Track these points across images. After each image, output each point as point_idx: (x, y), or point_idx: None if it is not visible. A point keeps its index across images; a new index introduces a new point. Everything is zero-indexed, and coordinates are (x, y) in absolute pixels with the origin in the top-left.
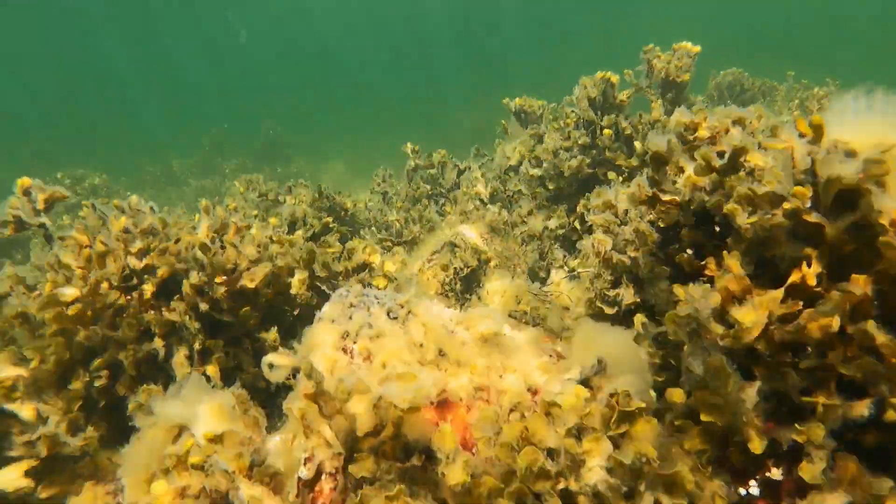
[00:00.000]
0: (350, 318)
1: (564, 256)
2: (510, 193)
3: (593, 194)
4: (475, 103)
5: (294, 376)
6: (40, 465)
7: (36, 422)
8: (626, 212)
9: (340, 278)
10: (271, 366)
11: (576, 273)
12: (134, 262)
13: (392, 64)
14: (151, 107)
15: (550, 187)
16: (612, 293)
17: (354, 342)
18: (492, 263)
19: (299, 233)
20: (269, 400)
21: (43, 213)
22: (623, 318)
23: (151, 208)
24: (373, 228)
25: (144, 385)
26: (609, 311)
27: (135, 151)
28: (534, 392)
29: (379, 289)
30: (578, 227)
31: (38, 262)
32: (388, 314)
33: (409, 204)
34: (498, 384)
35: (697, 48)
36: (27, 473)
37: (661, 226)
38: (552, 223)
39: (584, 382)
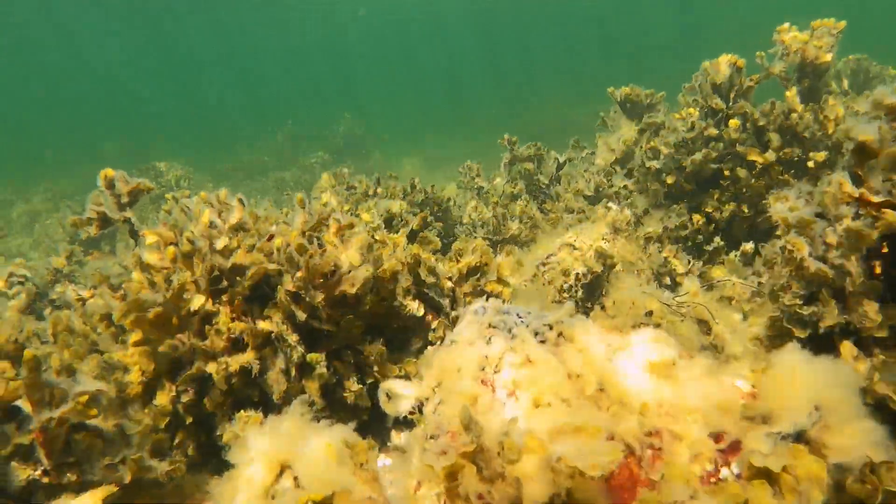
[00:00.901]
0: (489, 341)
1: (690, 261)
2: (617, 189)
3: (773, 197)
4: (554, 99)
5: (420, 410)
6: (121, 492)
7: (118, 440)
8: (821, 214)
9: (450, 283)
10: (390, 395)
11: (716, 282)
12: (220, 262)
13: (471, 58)
14: (229, 100)
15: (670, 182)
16: (805, 311)
17: (496, 371)
18: (617, 268)
19: (403, 231)
20: (372, 424)
21: (128, 207)
22: (819, 343)
23: (241, 200)
24: (465, 226)
25: (242, 412)
26: (800, 333)
27: (212, 145)
28: (717, 438)
29: (503, 298)
30: (702, 227)
31: (122, 259)
32: (534, 337)
33: (506, 199)
34: (672, 428)
35: (842, 24)
36: (105, 501)
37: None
38: (671, 223)
39: (800, 436)
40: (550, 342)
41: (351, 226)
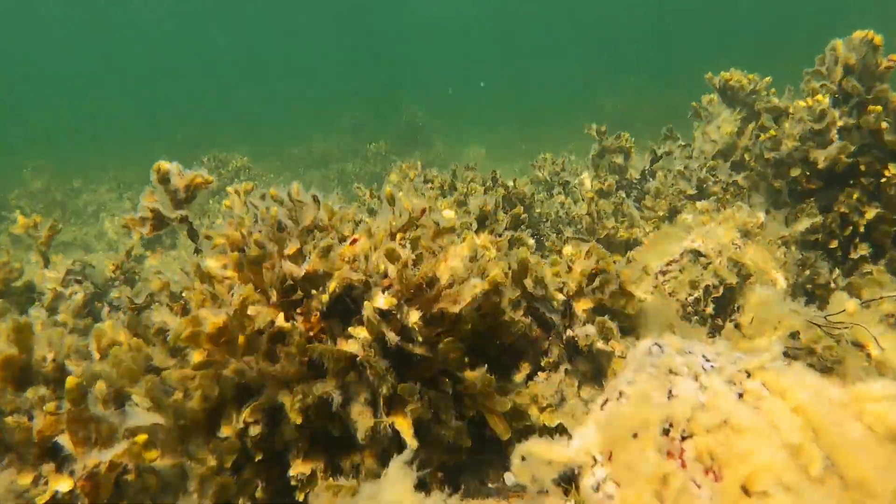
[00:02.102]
0: (670, 393)
1: (833, 271)
2: (724, 185)
3: None
4: (615, 87)
5: (571, 483)
6: None
7: (176, 481)
8: None
9: (561, 295)
10: (525, 458)
11: (877, 300)
12: (292, 269)
13: (538, 47)
14: (291, 90)
15: (794, 175)
16: None
17: (685, 437)
18: (752, 279)
19: (507, 235)
20: (470, 466)
21: (184, 204)
22: None
23: (315, 198)
24: (549, 223)
25: (330, 480)
26: None
27: (274, 135)
28: None
29: (627, 314)
30: (838, 231)
31: (183, 261)
32: (729, 388)
33: (596, 195)
34: None
35: None
36: None
37: None
38: (801, 225)
39: None
40: (751, 395)
41: (452, 229)
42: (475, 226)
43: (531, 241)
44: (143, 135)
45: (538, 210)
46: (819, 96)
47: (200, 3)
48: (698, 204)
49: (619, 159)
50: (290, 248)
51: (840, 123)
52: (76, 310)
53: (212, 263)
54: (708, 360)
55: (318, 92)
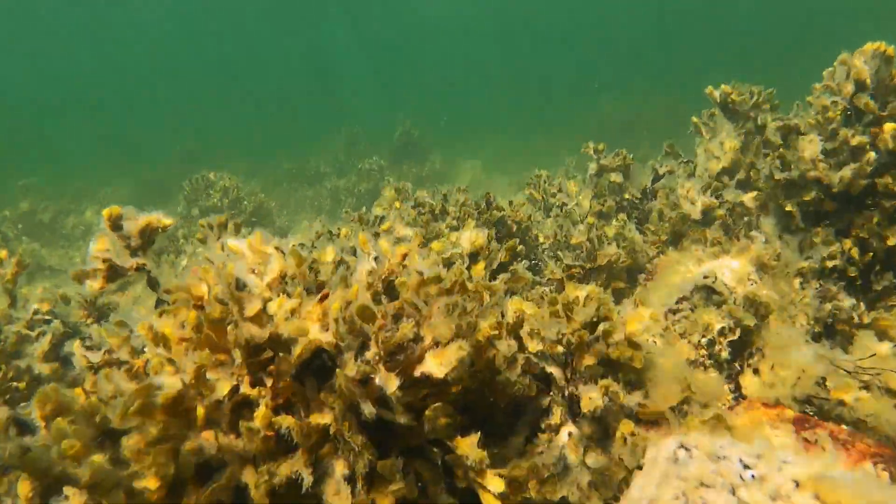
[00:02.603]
0: None
1: (854, 305)
2: (731, 206)
3: None
4: (623, 94)
5: None
6: None
7: None
8: None
9: (560, 347)
10: None
11: None
12: (254, 333)
13: (532, 52)
14: (291, 102)
15: (807, 199)
16: None
17: None
18: (771, 318)
19: (501, 278)
20: None
21: (141, 251)
22: None
23: (278, 249)
24: (545, 248)
25: None
26: None
27: (269, 148)
28: None
29: (633, 366)
30: (858, 258)
31: (140, 316)
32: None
33: (595, 218)
34: None
35: None
36: None
37: None
38: (817, 252)
39: None
40: None
41: (438, 279)
42: (467, 261)
43: (528, 276)
44: (141, 146)
45: (535, 232)
46: (831, 113)
47: (200, 8)
48: (708, 233)
49: (618, 178)
50: (251, 309)
51: (854, 143)
52: (41, 355)
53: (166, 323)
54: (747, 467)
55: (313, 104)
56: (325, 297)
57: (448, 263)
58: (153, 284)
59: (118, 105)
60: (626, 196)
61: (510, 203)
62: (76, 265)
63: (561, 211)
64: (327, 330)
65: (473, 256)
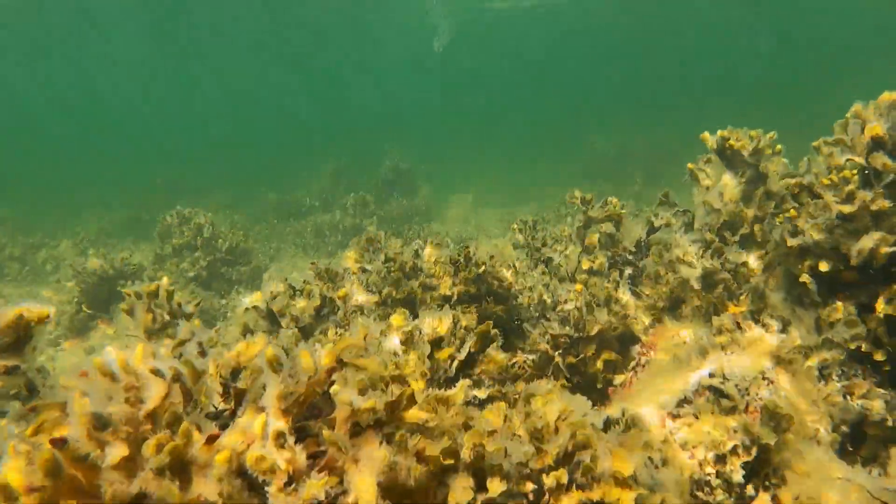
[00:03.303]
0: None
1: (887, 403)
2: (734, 267)
3: None
4: (615, 126)
5: None
6: None
7: None
8: None
9: (531, 484)
10: None
11: None
12: (116, 490)
13: (522, 82)
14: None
15: (824, 270)
16: None
17: None
18: (791, 431)
19: (461, 385)
20: None
21: (13, 351)
22: None
23: (156, 372)
24: (527, 310)
25: None
26: None
27: (251, 181)
28: None
29: None
30: (885, 338)
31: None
32: None
33: (586, 276)
34: None
35: None
36: None
37: None
38: (837, 334)
39: None
40: None
41: (372, 410)
42: (427, 348)
43: (502, 359)
44: (123, 177)
45: (518, 288)
46: (846, 172)
47: (181, 48)
48: (715, 320)
49: (610, 227)
50: (114, 456)
51: (875, 207)
52: None
53: (13, 467)
54: None
55: (299, 136)
56: (213, 439)
57: (407, 342)
58: (32, 389)
59: (101, 135)
60: (619, 249)
61: (491, 258)
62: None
63: (547, 267)
64: (215, 491)
65: (437, 342)
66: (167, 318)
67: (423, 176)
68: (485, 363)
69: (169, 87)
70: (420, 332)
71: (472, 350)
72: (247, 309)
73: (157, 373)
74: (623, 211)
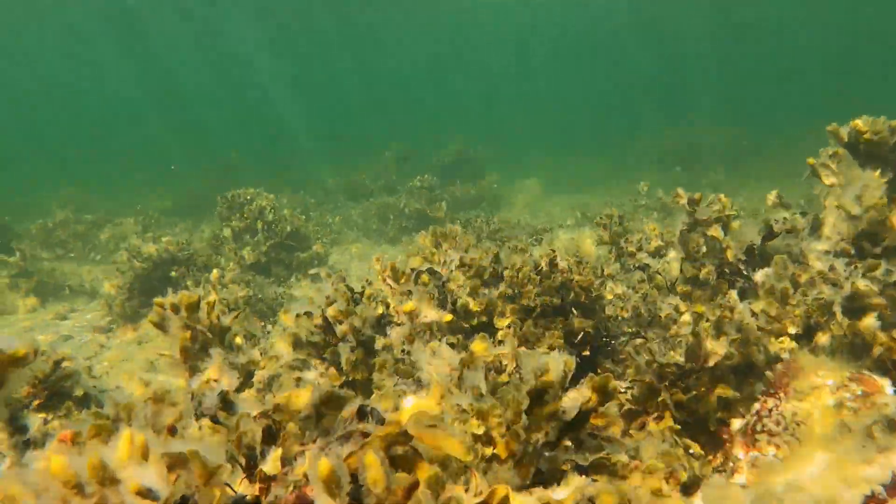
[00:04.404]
0: None
1: None
2: (882, 284)
3: None
4: (692, 118)
5: None
6: None
7: None
8: None
9: None
10: None
11: None
12: None
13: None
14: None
15: None
16: None
17: None
18: None
19: (576, 483)
20: None
21: None
22: None
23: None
24: (616, 322)
25: None
26: None
27: (320, 161)
28: None
29: None
30: None
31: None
32: None
33: (688, 287)
34: None
35: None
36: None
37: None
38: None
39: None
40: None
41: None
42: (524, 400)
43: (617, 421)
44: (188, 157)
45: (608, 297)
46: None
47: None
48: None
49: (718, 232)
50: None
51: None
52: None
53: None
54: None
55: (361, 122)
56: None
57: (495, 386)
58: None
59: (163, 117)
60: (724, 257)
61: (578, 264)
62: (99, 283)
63: (644, 274)
64: None
65: (540, 393)
66: (209, 335)
67: (488, 162)
68: (597, 417)
69: (242, 74)
70: (518, 372)
71: (587, 408)
72: (298, 315)
73: (146, 495)
74: (733, 211)
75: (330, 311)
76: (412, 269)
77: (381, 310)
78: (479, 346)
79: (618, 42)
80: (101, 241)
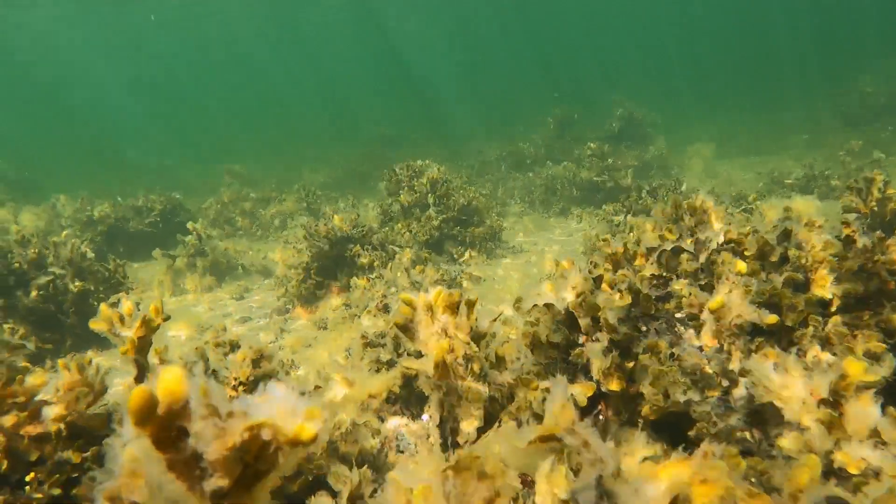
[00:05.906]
0: None
1: None
2: None
3: None
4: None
5: None
6: None
7: None
8: None
9: None
10: None
11: None
12: None
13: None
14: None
15: None
16: None
17: None
18: None
19: None
20: None
21: None
22: None
23: None
24: None
25: None
26: None
27: (475, 130)
28: None
29: None
30: None
31: None
32: None
33: None
34: None
35: None
36: None
37: None
38: None
39: None
40: None
41: None
42: None
43: None
44: (341, 132)
45: None
46: None
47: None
48: None
49: None
50: None
51: None
52: None
53: None
54: None
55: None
56: None
57: None
58: None
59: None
60: None
61: (881, 239)
62: (269, 262)
63: None
64: None
65: None
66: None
67: (656, 125)
68: None
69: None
70: None
71: None
72: (536, 307)
73: None
74: None
75: (580, 308)
76: (648, 249)
77: (628, 299)
78: (854, 367)
79: None
80: (267, 218)
